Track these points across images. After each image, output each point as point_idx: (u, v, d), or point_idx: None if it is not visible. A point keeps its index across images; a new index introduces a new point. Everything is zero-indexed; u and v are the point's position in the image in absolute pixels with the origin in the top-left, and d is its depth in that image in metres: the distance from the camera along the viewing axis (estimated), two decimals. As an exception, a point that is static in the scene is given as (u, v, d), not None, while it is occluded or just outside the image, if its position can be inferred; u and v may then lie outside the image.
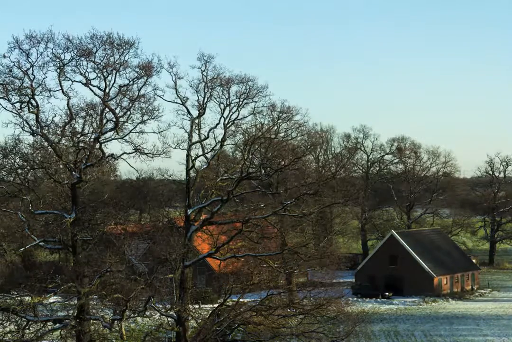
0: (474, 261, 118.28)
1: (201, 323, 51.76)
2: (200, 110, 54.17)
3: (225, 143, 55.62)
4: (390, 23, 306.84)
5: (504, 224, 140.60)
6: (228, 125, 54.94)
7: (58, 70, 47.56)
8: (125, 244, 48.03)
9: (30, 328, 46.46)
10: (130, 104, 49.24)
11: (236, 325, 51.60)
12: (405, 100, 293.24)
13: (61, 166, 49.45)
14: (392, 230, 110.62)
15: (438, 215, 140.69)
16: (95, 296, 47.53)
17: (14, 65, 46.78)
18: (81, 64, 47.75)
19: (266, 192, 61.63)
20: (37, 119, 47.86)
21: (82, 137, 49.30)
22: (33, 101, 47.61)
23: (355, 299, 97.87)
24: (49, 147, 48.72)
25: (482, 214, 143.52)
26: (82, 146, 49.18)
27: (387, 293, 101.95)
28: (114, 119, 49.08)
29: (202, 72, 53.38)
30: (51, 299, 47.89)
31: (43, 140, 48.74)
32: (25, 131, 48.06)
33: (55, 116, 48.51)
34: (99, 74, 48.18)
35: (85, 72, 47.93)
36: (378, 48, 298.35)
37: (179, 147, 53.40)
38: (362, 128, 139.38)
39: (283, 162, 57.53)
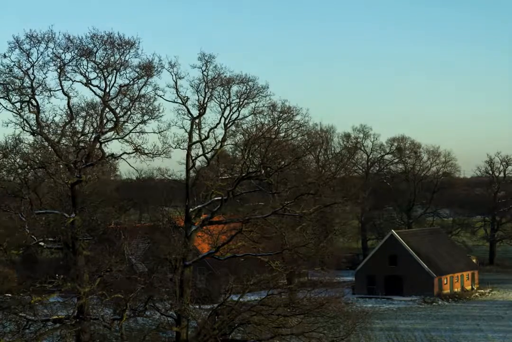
0: (474, 260, 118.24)
1: (201, 323, 51.69)
2: (201, 110, 54.08)
3: (225, 143, 55.56)
4: (391, 22, 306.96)
5: (504, 223, 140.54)
6: (228, 125, 54.88)
7: (59, 70, 47.51)
8: (125, 243, 48.00)
9: (30, 328, 46.44)
10: (131, 104, 49.17)
11: (236, 325, 51.54)
12: (405, 100, 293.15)
13: (61, 166, 49.33)
14: (392, 230, 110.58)
15: (438, 215, 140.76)
16: (95, 296, 47.48)
17: (15, 65, 46.76)
18: (82, 64, 47.76)
19: (266, 191, 61.57)
20: (37, 119, 47.80)
21: (82, 137, 49.22)
22: (33, 101, 47.56)
23: (355, 298, 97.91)
24: (49, 147, 48.61)
25: (482, 213, 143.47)
26: (82, 146, 49.09)
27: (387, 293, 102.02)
28: (114, 119, 49.03)
29: (202, 72, 53.27)
30: (51, 299, 47.85)
31: (43, 140, 48.62)
32: (26, 131, 48.04)
33: (55, 116, 48.49)
34: (99, 74, 48.15)
35: (85, 72, 47.93)
36: (379, 47, 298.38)
37: (179, 147, 53.29)
38: (362, 128, 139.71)
39: (283, 162, 57.46)
